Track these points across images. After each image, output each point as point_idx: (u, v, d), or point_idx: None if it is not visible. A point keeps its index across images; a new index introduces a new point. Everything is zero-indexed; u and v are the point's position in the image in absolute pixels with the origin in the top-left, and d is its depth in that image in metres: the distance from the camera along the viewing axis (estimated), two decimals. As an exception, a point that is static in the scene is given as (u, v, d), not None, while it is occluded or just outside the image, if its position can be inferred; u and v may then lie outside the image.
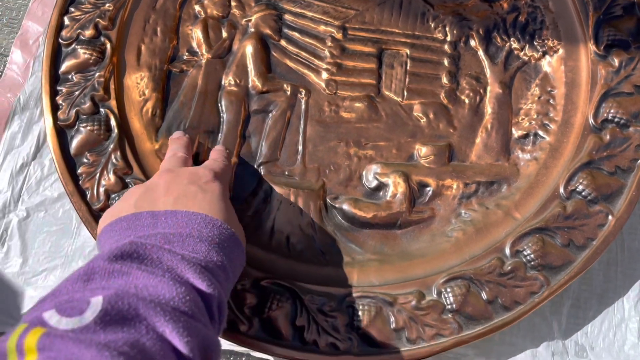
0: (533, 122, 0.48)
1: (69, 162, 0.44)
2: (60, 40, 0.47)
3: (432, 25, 0.52)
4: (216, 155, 0.44)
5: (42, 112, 0.46)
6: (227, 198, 0.39)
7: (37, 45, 0.51)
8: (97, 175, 0.44)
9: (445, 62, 0.51)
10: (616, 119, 0.46)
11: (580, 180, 0.44)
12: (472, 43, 0.51)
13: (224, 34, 0.51)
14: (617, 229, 0.43)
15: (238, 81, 0.50)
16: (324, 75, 0.50)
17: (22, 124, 0.48)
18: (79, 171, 0.44)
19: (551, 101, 0.49)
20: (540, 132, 0.48)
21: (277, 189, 0.46)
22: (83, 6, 0.48)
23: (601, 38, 0.48)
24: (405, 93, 0.50)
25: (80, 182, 0.44)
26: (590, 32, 0.49)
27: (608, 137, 0.46)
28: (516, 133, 0.48)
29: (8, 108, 0.49)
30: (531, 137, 0.48)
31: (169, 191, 0.37)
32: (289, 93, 0.50)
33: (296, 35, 0.52)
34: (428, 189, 0.47)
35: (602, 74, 0.47)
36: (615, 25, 0.48)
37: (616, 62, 0.47)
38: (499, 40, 0.51)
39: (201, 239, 0.33)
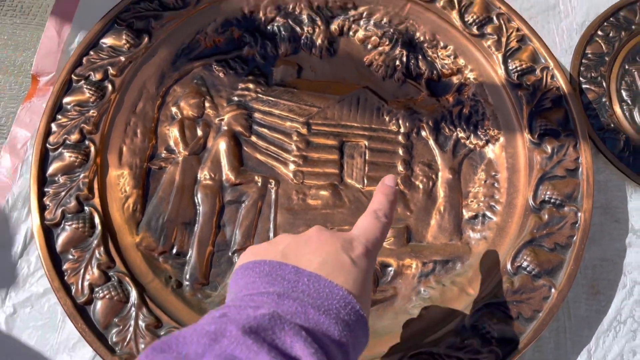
0: (481, 203, 0.54)
1: (55, 259, 0.47)
2: (47, 145, 0.52)
3: (387, 119, 0.58)
4: (373, 222, 0.39)
5: (30, 212, 0.50)
6: (371, 277, 0.37)
7: (25, 149, 0.55)
8: (82, 270, 0.47)
9: (400, 151, 0.56)
10: (552, 200, 0.51)
11: (525, 257, 0.49)
12: (423, 133, 0.57)
13: (199, 133, 0.56)
14: (560, 300, 0.48)
15: (213, 175, 0.54)
16: (292, 166, 0.55)
17: (10, 223, 0.52)
18: (65, 267, 0.47)
19: (496, 184, 0.54)
20: (488, 213, 0.53)
21: (251, 275, 0.50)
22: (69, 113, 0.53)
23: (535, 128, 0.54)
24: (366, 180, 0.55)
25: (65, 277, 0.47)
26: (525, 123, 0.55)
27: (546, 216, 0.51)
28: (466, 214, 0.53)
29: (-4, 208, 0.52)
30: (480, 217, 0.53)
31: (318, 251, 0.36)
32: (259, 184, 0.54)
33: (265, 131, 0.57)
34: (390, 268, 0.51)
35: (537, 159, 0.53)
36: (546, 116, 0.55)
37: (549, 149, 0.54)
38: (446, 130, 0.57)
39: (337, 320, 0.32)
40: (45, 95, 0.57)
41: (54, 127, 0.52)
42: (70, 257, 0.47)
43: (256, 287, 0.34)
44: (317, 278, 0.33)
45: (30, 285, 0.49)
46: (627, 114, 0.60)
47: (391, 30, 0.61)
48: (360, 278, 0.35)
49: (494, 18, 0.59)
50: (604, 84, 0.60)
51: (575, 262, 0.49)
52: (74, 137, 0.52)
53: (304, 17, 0.61)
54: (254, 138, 0.57)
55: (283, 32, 0.61)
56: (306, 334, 0.30)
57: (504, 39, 0.58)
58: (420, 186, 0.55)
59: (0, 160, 0.54)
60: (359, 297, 0.34)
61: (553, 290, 0.48)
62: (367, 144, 0.57)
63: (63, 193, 0.50)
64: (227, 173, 0.54)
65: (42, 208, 0.49)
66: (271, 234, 0.52)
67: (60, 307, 0.47)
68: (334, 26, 0.61)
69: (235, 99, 0.58)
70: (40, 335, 0.47)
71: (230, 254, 0.51)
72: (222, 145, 0.55)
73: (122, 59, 0.56)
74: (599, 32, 0.63)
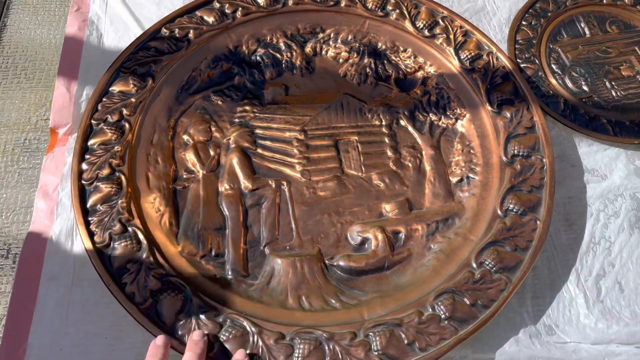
0: (463, 168, 0.63)
1: (113, 275, 0.53)
2: (82, 181, 0.58)
3: (369, 116, 0.67)
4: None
5: (73, 244, 0.56)
6: None
7: (57, 193, 0.60)
8: (140, 279, 0.52)
9: (386, 140, 0.66)
10: (520, 153, 0.62)
11: (510, 201, 0.59)
12: (402, 122, 0.67)
13: (212, 153, 0.63)
14: (545, 229, 0.57)
15: (232, 185, 0.61)
16: (298, 167, 0.63)
17: (58, 258, 0.56)
18: (124, 280, 0.52)
19: (471, 151, 0.64)
20: (471, 175, 0.63)
21: (284, 261, 0.57)
22: (96, 152, 0.59)
23: (493, 100, 0.66)
24: (363, 168, 0.64)
25: (126, 288, 0.52)
26: (484, 98, 0.66)
27: (519, 166, 0.61)
28: (453, 179, 0.63)
29: (43, 249, 0.57)
30: (465, 179, 0.63)
31: None
32: (274, 186, 0.62)
33: (268, 143, 0.65)
34: (401, 234, 0.59)
35: (500, 124, 0.64)
36: (500, 89, 0.66)
37: (508, 114, 0.65)
38: (421, 116, 0.67)
39: None
40: (66, 145, 0.63)
41: (84, 165, 0.58)
42: (127, 270, 0.53)
43: None
44: None
45: (85, 312, 0.54)
46: (560, 82, 0.72)
47: (357, 44, 0.71)
48: None
49: (440, 21, 0.71)
50: (537, 61, 0.73)
51: (550, 197, 0.59)
52: (105, 171, 0.58)
53: (281, 44, 0.71)
54: (260, 150, 0.64)
55: (266, 60, 0.70)
56: None
57: (451, 36, 0.70)
58: (410, 165, 0.64)
59: (37, 206, 0.60)
60: None
61: (538, 222, 0.58)
62: (357, 139, 0.66)
63: (106, 219, 0.55)
64: (244, 182, 0.62)
65: (90, 234, 0.55)
66: (293, 225, 0.60)
67: (126, 312, 0.51)
68: (308, 48, 0.71)
69: (237, 120, 0.66)
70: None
71: (262, 248, 0.58)
72: (234, 160, 0.63)
73: (133, 100, 0.63)
74: (523, 22, 0.76)
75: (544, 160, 0.61)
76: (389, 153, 0.65)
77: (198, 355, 0.48)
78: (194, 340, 0.49)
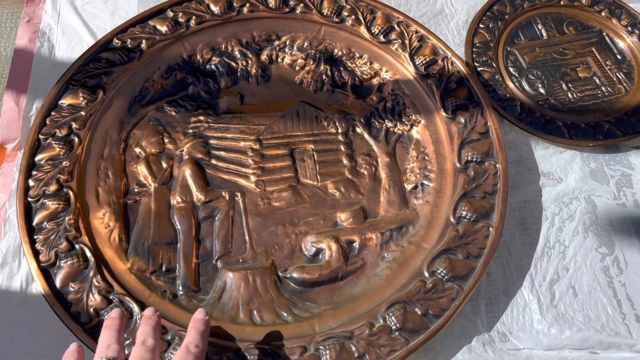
0: (417, 175, 0.63)
1: (58, 295, 0.52)
2: (29, 199, 0.56)
3: (325, 124, 0.67)
4: (184, 357, 0.45)
5: (20, 264, 0.55)
6: None
7: (5, 210, 0.59)
8: (84, 299, 0.51)
9: (342, 148, 0.65)
10: (474, 159, 0.62)
11: (463, 208, 0.59)
12: (358, 130, 0.67)
13: (164, 165, 0.62)
14: (498, 236, 0.57)
15: (184, 198, 0.61)
16: (252, 178, 0.62)
17: (4, 278, 0.55)
18: (69, 298, 0.51)
19: (426, 158, 0.64)
20: (425, 182, 0.63)
21: (236, 275, 0.56)
22: (43, 168, 0.58)
23: (447, 106, 0.65)
24: (319, 177, 0.63)
25: (71, 308, 0.51)
26: (439, 104, 0.66)
27: (472, 173, 0.61)
28: (408, 187, 0.63)
29: (-11, 266, 0.56)
30: (419, 186, 0.62)
31: None
32: (227, 198, 0.61)
33: (223, 153, 0.64)
34: (355, 244, 0.59)
35: (455, 130, 0.64)
36: (454, 95, 0.66)
37: (462, 120, 0.64)
38: (377, 123, 0.67)
39: None
40: (15, 160, 0.62)
41: (31, 182, 0.57)
42: (72, 289, 0.52)
43: None
44: None
45: (32, 333, 0.53)
46: (517, 85, 0.72)
47: (313, 51, 0.71)
48: None
49: (395, 26, 0.71)
50: (494, 64, 0.73)
51: (503, 203, 0.59)
52: (53, 187, 0.57)
53: (236, 53, 0.70)
54: (214, 161, 0.64)
55: (221, 69, 0.69)
56: None
57: (407, 41, 0.70)
58: (365, 172, 0.64)
59: (-17, 224, 0.58)
60: None
61: (491, 229, 0.58)
62: (313, 147, 0.65)
63: (53, 237, 0.54)
64: (196, 194, 0.61)
65: (35, 253, 0.53)
66: (246, 238, 0.59)
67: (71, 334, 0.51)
68: (263, 56, 0.71)
69: (190, 131, 0.65)
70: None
71: (214, 262, 0.57)
72: (187, 172, 0.62)
73: (83, 113, 0.62)
74: (481, 25, 0.76)
75: (498, 165, 0.61)
76: (345, 161, 0.64)
77: (201, 332, 0.47)
78: (196, 318, 0.48)
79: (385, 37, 0.70)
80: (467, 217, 0.58)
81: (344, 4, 0.72)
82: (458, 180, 0.61)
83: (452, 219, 0.59)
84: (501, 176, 0.61)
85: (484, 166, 0.61)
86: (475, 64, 0.73)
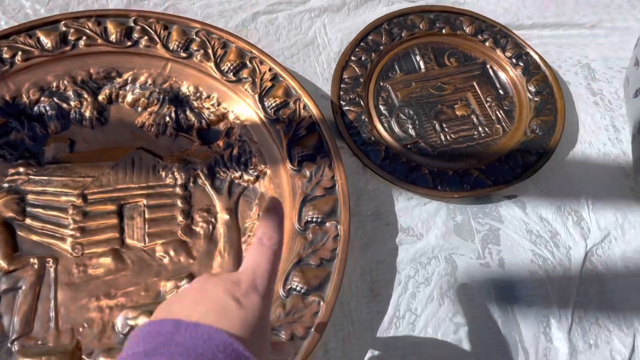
0: (255, 237, 0.56)
1: None
2: None
3: (163, 174, 0.60)
4: (258, 251, 0.37)
5: None
6: (264, 315, 0.35)
7: None
8: None
9: (179, 202, 0.58)
10: (314, 219, 0.55)
11: (294, 278, 0.52)
12: (200, 181, 0.60)
13: (-34, 228, 0.55)
14: (329, 312, 0.51)
15: (-16, 268, 0.53)
16: (69, 240, 0.55)
17: None
18: None
19: (267, 216, 0.57)
20: (263, 244, 0.56)
21: (31, 361, 0.49)
22: None
23: (293, 156, 0.59)
24: (147, 238, 0.56)
25: None
26: (285, 153, 0.59)
27: (311, 235, 0.54)
28: (245, 251, 0.56)
29: None
30: (256, 250, 0.56)
31: (202, 299, 0.34)
32: (36, 266, 0.54)
33: (40, 211, 0.57)
34: (175, 320, 0.52)
35: (299, 184, 0.57)
36: (302, 143, 0.59)
37: (307, 173, 0.58)
38: (221, 173, 0.60)
39: None
40: None
41: None
42: None
43: (132, 348, 0.32)
44: (196, 327, 0.32)
45: None
46: (386, 125, 0.66)
47: (157, 90, 0.63)
48: (248, 317, 0.33)
49: (247, 62, 0.64)
50: (362, 103, 0.66)
51: (339, 273, 0.52)
52: None
53: (70, 93, 0.62)
54: (28, 220, 0.56)
55: (50, 111, 0.61)
56: None
57: (257, 80, 0.63)
58: (201, 232, 0.57)
59: None
60: (246, 338, 0.32)
61: (322, 303, 0.51)
62: (145, 202, 0.58)
63: None
64: (-1, 262, 0.53)
65: None
66: (52, 314, 0.52)
67: None
68: (101, 96, 0.63)
69: (6, 185, 0.57)
70: None
71: (9, 344, 0.50)
72: (-7, 235, 0.54)
73: None
74: (352, 58, 0.69)
75: (339, 227, 0.55)
76: (180, 218, 0.57)
77: (275, 221, 0.38)
78: (269, 206, 0.40)
79: (235, 75, 0.63)
80: (298, 289, 0.52)
81: (194, 37, 0.65)
82: (295, 244, 0.54)
83: (281, 292, 0.52)
84: (341, 239, 0.54)
85: (325, 227, 0.55)
86: (342, 102, 0.66)
